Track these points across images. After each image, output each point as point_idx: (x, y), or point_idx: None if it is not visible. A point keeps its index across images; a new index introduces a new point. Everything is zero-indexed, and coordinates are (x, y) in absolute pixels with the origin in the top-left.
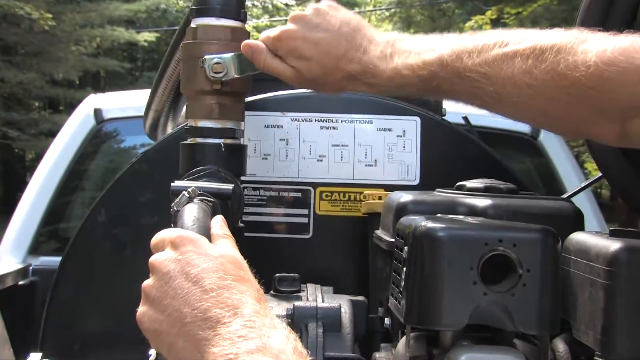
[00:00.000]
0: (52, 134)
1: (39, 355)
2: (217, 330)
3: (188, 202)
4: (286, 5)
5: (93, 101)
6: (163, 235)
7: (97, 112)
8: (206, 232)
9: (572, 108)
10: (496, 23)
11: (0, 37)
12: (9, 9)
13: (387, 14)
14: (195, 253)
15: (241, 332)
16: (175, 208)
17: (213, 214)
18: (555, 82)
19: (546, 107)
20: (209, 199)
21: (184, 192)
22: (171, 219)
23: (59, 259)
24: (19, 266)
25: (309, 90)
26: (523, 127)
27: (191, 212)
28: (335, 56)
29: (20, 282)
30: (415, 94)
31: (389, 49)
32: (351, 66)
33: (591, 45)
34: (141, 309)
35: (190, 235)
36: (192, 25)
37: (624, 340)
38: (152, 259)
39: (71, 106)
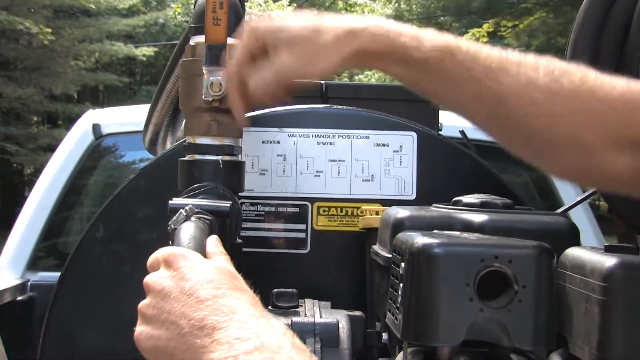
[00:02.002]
0: (50, 148)
1: None
2: (214, 336)
3: (185, 220)
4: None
5: (92, 116)
6: (157, 254)
7: (96, 128)
8: (202, 250)
9: (594, 129)
10: (493, 36)
11: (0, 52)
12: (9, 24)
13: None
14: (188, 267)
15: (238, 335)
16: (172, 226)
17: (210, 232)
18: (581, 93)
19: (561, 121)
20: (206, 217)
21: (181, 210)
22: (169, 236)
23: (57, 274)
24: (18, 282)
25: (306, 106)
26: None
27: (188, 230)
28: None
29: (19, 298)
30: (407, 71)
31: None
32: None
33: (616, 79)
34: (138, 329)
35: (181, 251)
36: (191, 42)
37: (619, 356)
38: (146, 279)
39: (70, 121)
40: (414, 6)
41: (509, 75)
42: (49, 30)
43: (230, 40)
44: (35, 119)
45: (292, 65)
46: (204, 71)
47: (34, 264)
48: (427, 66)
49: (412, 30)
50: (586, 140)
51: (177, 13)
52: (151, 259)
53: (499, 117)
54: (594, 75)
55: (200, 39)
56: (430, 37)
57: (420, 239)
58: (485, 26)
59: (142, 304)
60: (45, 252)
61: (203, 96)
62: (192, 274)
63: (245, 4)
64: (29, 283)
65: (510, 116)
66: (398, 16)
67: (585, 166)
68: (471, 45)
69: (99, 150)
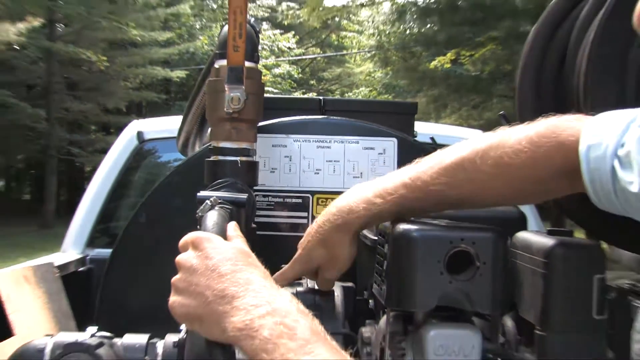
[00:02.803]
0: (104, 151)
1: (95, 328)
2: (234, 304)
3: (210, 209)
4: (289, 48)
5: (136, 125)
6: (186, 238)
7: (139, 134)
8: (223, 234)
9: (524, 183)
10: (454, 63)
11: (67, 76)
12: (75, 54)
13: (369, 55)
14: (211, 248)
15: (253, 302)
16: (200, 214)
17: (230, 219)
18: (504, 170)
19: (503, 191)
20: (227, 206)
21: (207, 200)
22: (198, 221)
23: (109, 251)
24: (79, 256)
25: (308, 117)
26: None
27: (212, 217)
28: None
29: (80, 269)
30: (389, 220)
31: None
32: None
33: (519, 134)
34: (172, 299)
35: (206, 235)
36: (216, 65)
37: (557, 318)
38: (177, 258)
39: (119, 129)
40: (392, 39)
41: (450, 185)
42: (104, 58)
43: (247, 64)
44: (93, 128)
45: (331, 273)
46: (226, 88)
47: (91, 242)
48: (394, 216)
49: (370, 191)
50: (532, 189)
51: (204, 44)
52: (182, 241)
53: (463, 207)
54: (502, 147)
55: (223, 62)
56: (387, 191)
57: (401, 225)
58: (448, 55)
59: (175, 278)
60: (100, 233)
61: (225, 109)
62: (214, 253)
63: (260, 35)
64: (88, 257)
65: (471, 205)
66: (380, 46)
67: (545, 193)
68: (415, 175)
69: (142, 152)
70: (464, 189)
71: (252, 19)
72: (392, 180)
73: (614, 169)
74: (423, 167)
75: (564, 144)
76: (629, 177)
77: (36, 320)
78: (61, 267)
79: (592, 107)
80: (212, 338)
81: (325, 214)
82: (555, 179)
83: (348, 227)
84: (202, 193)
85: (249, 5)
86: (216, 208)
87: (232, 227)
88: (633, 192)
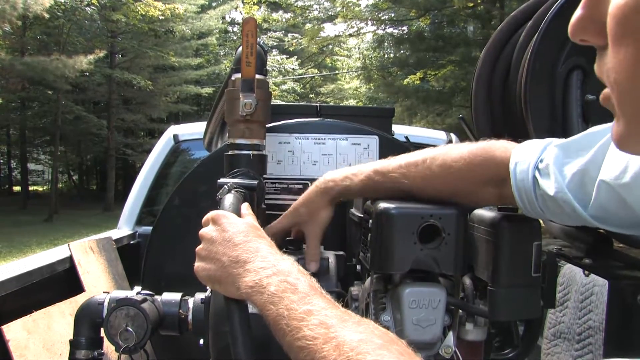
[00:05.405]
0: (150, 151)
1: (139, 287)
2: (245, 267)
3: (228, 192)
4: (293, 69)
5: (173, 129)
6: (208, 215)
7: (175, 136)
8: (238, 212)
9: (460, 184)
10: (422, 80)
11: (123, 94)
12: (129, 79)
13: (356, 74)
14: (227, 223)
15: (261, 265)
16: (219, 196)
17: (244, 200)
18: (446, 170)
19: (442, 187)
20: (241, 190)
21: (225, 185)
22: (218, 202)
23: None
24: (130, 232)
25: (307, 119)
26: (444, 139)
27: (229, 199)
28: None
29: (131, 242)
30: (357, 195)
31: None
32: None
33: (463, 147)
34: (196, 265)
35: (223, 213)
36: (232, 78)
37: (505, 276)
38: (200, 231)
39: (162, 134)
40: (373, 61)
41: (405, 176)
42: (150, 82)
43: (257, 76)
44: (142, 133)
45: (310, 229)
46: (240, 96)
47: (139, 221)
48: (361, 192)
49: (350, 170)
50: (463, 189)
51: (227, 66)
52: (204, 218)
53: (411, 194)
54: (448, 153)
55: (238, 75)
56: (361, 172)
57: (382, 204)
58: (418, 74)
59: (198, 248)
60: (146, 214)
61: (240, 112)
62: (230, 227)
63: (267, 54)
64: (137, 233)
65: (417, 193)
66: (364, 67)
67: (475, 199)
68: (383, 164)
69: (178, 150)
70: (414, 181)
71: (261, 41)
72: (367, 166)
73: (535, 178)
74: (390, 161)
75: (497, 157)
76: (547, 183)
77: (99, 280)
78: (117, 241)
79: (530, 109)
80: (229, 295)
81: (315, 183)
82: (485, 186)
83: (327, 192)
84: (221, 180)
85: (262, 36)
86: (232, 192)
87: (245, 207)
88: (550, 195)
